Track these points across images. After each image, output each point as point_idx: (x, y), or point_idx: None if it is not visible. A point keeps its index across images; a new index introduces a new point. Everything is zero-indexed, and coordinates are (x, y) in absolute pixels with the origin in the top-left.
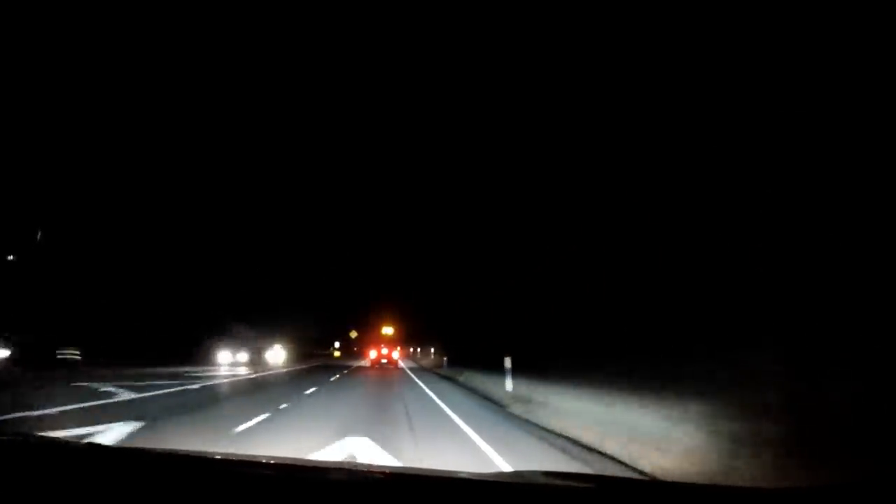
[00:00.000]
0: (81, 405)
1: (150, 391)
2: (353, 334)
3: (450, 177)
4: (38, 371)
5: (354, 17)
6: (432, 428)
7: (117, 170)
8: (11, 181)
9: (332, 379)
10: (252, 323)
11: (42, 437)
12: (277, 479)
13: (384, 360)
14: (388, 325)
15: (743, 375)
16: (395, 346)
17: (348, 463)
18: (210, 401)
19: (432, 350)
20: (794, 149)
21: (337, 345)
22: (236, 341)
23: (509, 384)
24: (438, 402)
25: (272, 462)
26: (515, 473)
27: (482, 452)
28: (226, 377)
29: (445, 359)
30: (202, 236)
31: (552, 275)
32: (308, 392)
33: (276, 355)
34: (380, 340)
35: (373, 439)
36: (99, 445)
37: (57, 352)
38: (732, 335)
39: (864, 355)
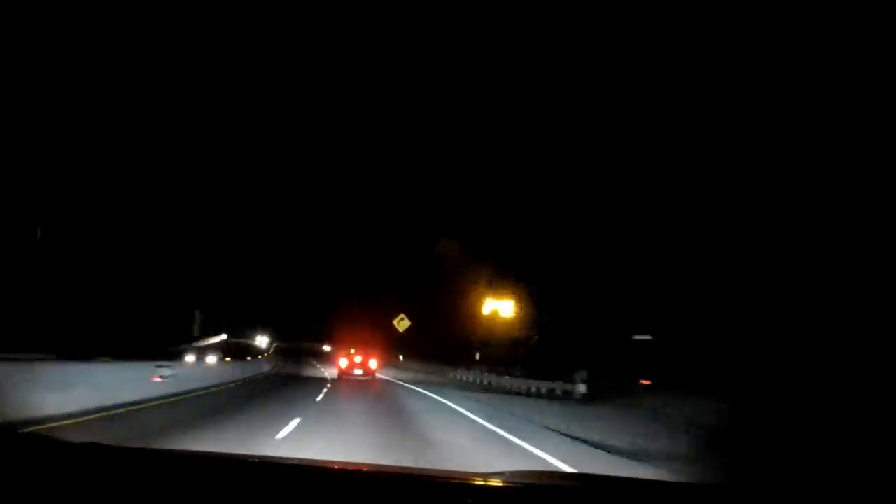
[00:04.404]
0: None
1: None
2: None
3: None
4: None
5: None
6: None
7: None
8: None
9: None
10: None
11: (42, 436)
12: (276, 478)
13: (357, 370)
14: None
15: None
16: (373, 353)
17: (349, 463)
18: None
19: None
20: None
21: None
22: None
23: None
24: None
25: (271, 462)
26: (513, 473)
27: None
28: None
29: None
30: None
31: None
32: None
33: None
34: (354, 344)
35: None
36: (99, 445)
37: None
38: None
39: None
